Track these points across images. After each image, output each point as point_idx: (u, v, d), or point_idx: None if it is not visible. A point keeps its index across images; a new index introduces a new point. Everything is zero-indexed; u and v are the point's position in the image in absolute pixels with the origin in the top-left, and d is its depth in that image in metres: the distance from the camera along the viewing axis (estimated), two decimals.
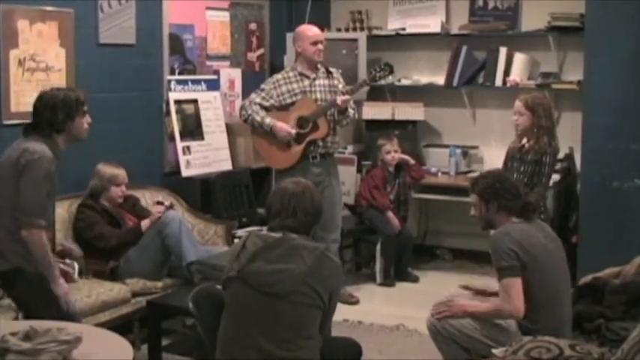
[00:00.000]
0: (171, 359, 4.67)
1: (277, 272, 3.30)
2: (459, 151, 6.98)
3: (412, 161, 6.69)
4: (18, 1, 5.02)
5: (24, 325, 3.09)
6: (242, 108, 5.90)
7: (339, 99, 5.68)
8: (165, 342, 4.76)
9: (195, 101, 6.36)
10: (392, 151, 6.62)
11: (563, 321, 3.84)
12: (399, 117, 7.18)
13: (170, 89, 6.18)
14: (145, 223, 5.16)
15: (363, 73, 6.69)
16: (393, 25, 7.36)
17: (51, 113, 3.82)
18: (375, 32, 7.33)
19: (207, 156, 6.32)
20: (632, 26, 5.58)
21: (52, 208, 3.91)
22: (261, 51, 7.24)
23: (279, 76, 5.93)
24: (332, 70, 5.97)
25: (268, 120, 5.74)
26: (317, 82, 5.85)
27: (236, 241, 5.34)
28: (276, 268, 3.30)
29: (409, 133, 7.18)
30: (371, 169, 6.81)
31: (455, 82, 7.04)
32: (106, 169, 5.20)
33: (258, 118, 5.74)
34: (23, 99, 4.95)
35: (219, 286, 3.53)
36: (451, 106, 7.24)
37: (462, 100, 7.14)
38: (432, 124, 7.36)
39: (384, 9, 7.43)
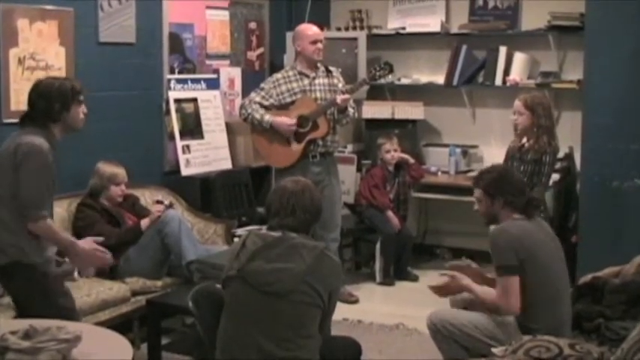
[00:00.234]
0: (171, 358, 4.67)
1: (277, 271, 3.30)
2: (458, 150, 6.98)
3: (412, 160, 6.69)
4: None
5: (24, 323, 3.08)
6: (242, 107, 5.90)
7: (339, 98, 5.68)
8: (164, 341, 4.76)
9: (194, 100, 6.36)
10: (392, 150, 6.62)
11: (563, 320, 3.84)
12: (398, 116, 7.18)
13: (170, 88, 6.18)
14: (144, 222, 5.16)
15: (362, 72, 6.70)
16: (392, 24, 7.37)
17: (46, 102, 3.78)
18: (375, 31, 7.33)
19: (206, 155, 6.32)
20: (632, 26, 5.58)
21: (50, 202, 3.89)
22: (260, 50, 7.24)
23: (278, 75, 5.93)
24: (332, 69, 5.97)
25: (268, 117, 5.74)
26: (317, 81, 5.85)
27: (236, 240, 5.34)
28: (275, 267, 3.30)
29: (409, 132, 7.18)
30: (371, 168, 6.82)
31: (455, 82, 7.04)
32: (106, 168, 5.20)
33: (257, 116, 5.75)
34: (23, 97, 4.86)
35: (218, 285, 3.53)
36: (451, 106, 7.25)
37: (462, 100, 7.14)
38: (431, 123, 7.36)
39: (383, 8, 7.44)
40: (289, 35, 6.46)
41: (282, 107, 5.81)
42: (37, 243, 3.78)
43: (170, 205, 5.37)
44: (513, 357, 3.20)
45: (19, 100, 4.97)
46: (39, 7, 5.16)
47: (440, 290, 4.13)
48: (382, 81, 6.47)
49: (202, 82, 6.48)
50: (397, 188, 6.69)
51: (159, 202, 5.37)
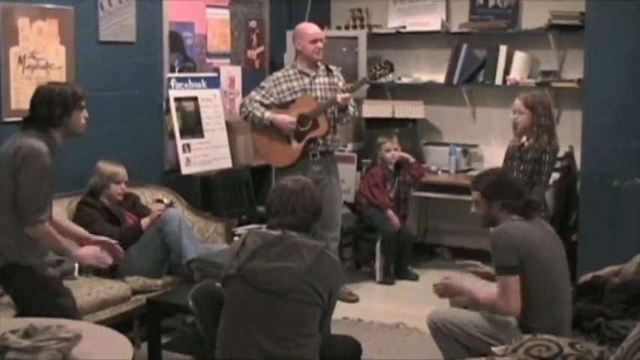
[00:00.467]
0: (171, 357, 4.67)
1: (277, 270, 3.30)
2: (458, 149, 6.98)
3: (412, 159, 6.69)
4: None
5: (24, 322, 3.08)
6: (242, 105, 5.90)
7: (340, 97, 5.68)
8: (165, 340, 4.76)
9: (195, 99, 6.36)
10: (392, 149, 6.62)
11: (563, 319, 3.84)
12: (399, 115, 7.18)
13: (170, 87, 6.18)
14: (144, 221, 5.16)
15: (363, 71, 6.69)
16: (393, 23, 7.37)
17: (47, 108, 3.78)
18: (375, 30, 7.33)
19: (207, 154, 6.33)
20: (632, 26, 5.58)
21: (49, 204, 3.88)
22: (261, 49, 7.24)
23: (279, 74, 5.93)
24: (332, 67, 5.97)
25: (268, 114, 5.74)
26: (317, 80, 5.85)
27: (236, 238, 5.34)
28: (275, 266, 3.30)
29: (409, 131, 7.18)
30: (371, 167, 6.82)
31: (455, 81, 7.04)
32: (107, 167, 5.20)
33: (258, 114, 5.75)
34: (23, 96, 4.93)
35: (219, 284, 3.53)
36: (451, 105, 7.25)
37: (462, 99, 7.14)
38: (432, 122, 7.36)
39: (384, 7, 7.44)
40: (289, 34, 6.46)
41: (283, 106, 5.81)
42: (36, 246, 3.78)
43: (170, 204, 5.37)
44: (513, 356, 3.20)
45: (19, 99, 4.98)
46: (39, 6, 5.16)
47: (440, 290, 4.13)
48: (382, 80, 6.46)
49: (203, 80, 6.48)
50: (397, 187, 6.69)
51: (159, 201, 5.38)
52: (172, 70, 6.26)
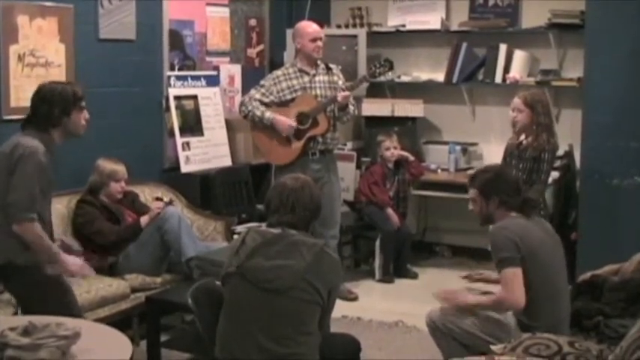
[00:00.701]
0: (170, 355, 4.67)
1: (276, 268, 3.29)
2: (458, 147, 6.98)
3: (412, 158, 6.69)
4: None
5: (23, 320, 3.09)
6: (242, 104, 5.90)
7: (340, 95, 5.68)
8: (164, 338, 4.76)
9: (194, 97, 6.36)
10: (391, 148, 6.62)
11: (561, 318, 3.84)
12: (398, 113, 7.18)
13: (170, 85, 6.18)
14: (144, 219, 5.16)
15: (362, 70, 6.69)
16: (392, 21, 7.37)
17: (47, 107, 3.78)
18: (375, 29, 7.33)
19: (206, 152, 6.32)
20: (632, 26, 5.58)
21: (48, 204, 3.87)
22: (261, 47, 7.24)
23: (278, 72, 5.93)
24: (332, 66, 5.97)
25: (268, 114, 5.74)
26: (317, 79, 5.85)
27: (235, 237, 5.33)
28: (275, 264, 3.30)
29: (409, 129, 7.18)
30: (370, 166, 6.81)
31: (455, 79, 7.04)
32: (106, 165, 5.20)
33: (258, 113, 5.74)
34: (23, 94, 4.94)
35: (218, 282, 3.53)
36: (451, 103, 7.25)
37: (462, 97, 7.14)
38: (431, 120, 7.36)
39: (383, 5, 7.44)
40: (289, 32, 6.45)
41: (283, 104, 5.81)
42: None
43: (170, 202, 5.37)
44: (512, 355, 3.20)
45: (18, 97, 4.98)
46: (39, 4, 5.15)
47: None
48: (382, 78, 6.46)
49: (202, 79, 6.48)
50: (397, 186, 6.69)
51: (158, 199, 5.38)
52: (172, 68, 6.26)
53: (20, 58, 5.05)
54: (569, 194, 6.11)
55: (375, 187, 6.60)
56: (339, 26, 7.52)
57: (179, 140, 6.14)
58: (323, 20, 7.02)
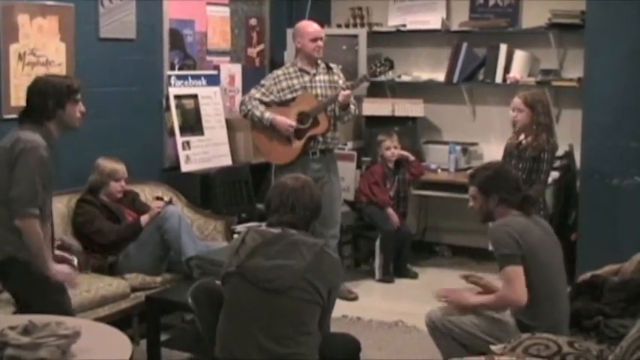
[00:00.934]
0: (170, 354, 4.67)
1: (276, 268, 3.29)
2: (458, 147, 6.98)
3: (412, 157, 6.69)
4: None
5: (23, 319, 3.09)
6: (242, 103, 5.90)
7: (341, 95, 5.68)
8: (164, 337, 4.75)
9: (195, 96, 6.36)
10: (392, 147, 6.62)
11: (561, 318, 3.84)
12: (398, 113, 7.18)
13: (170, 84, 6.18)
14: (144, 219, 5.16)
15: (363, 69, 6.69)
16: (393, 21, 7.37)
17: (41, 99, 3.78)
18: (376, 28, 7.33)
19: (206, 151, 6.32)
20: (632, 26, 5.59)
21: (49, 200, 3.87)
22: (261, 46, 7.24)
23: (279, 71, 5.92)
24: (332, 65, 5.97)
25: (268, 114, 5.74)
26: (317, 78, 5.85)
27: (235, 236, 5.33)
28: (275, 264, 3.30)
29: (409, 129, 7.18)
30: (371, 165, 6.81)
31: (455, 79, 7.04)
32: (106, 164, 5.20)
33: (257, 113, 5.75)
34: (23, 93, 4.86)
35: (218, 282, 3.53)
36: (451, 103, 7.25)
37: (462, 97, 7.14)
38: (431, 120, 7.36)
39: (384, 5, 7.44)
40: (290, 32, 6.45)
41: (283, 104, 5.81)
42: None
43: (170, 202, 5.37)
44: (512, 355, 3.20)
45: (19, 96, 4.97)
46: (39, 3, 5.16)
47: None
48: (382, 78, 6.46)
49: (203, 78, 6.48)
50: (397, 185, 6.69)
51: (159, 198, 5.38)
52: (172, 68, 6.26)
53: (21, 57, 5.06)
54: (569, 194, 6.11)
55: (376, 187, 6.60)
56: (339, 26, 7.53)
57: (179, 139, 6.14)
58: (323, 20, 7.02)
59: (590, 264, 4.63)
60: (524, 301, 3.71)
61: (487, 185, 3.94)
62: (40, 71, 5.13)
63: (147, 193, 5.64)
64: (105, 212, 5.13)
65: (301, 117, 5.75)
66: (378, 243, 6.56)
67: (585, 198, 5.85)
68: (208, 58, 6.66)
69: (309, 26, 5.87)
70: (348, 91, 5.71)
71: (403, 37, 7.27)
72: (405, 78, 7.28)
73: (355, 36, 7.12)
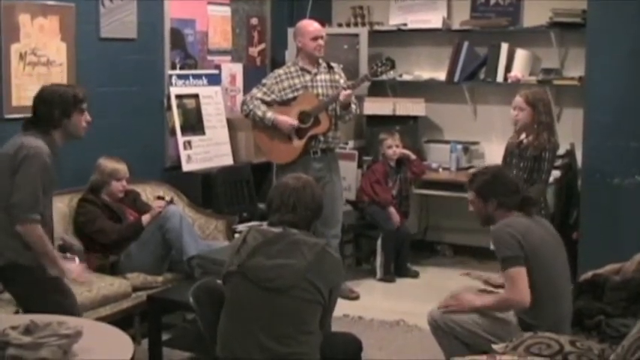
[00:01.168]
0: (172, 354, 4.67)
1: (277, 267, 3.30)
2: (459, 146, 6.98)
3: (413, 156, 6.69)
4: None
5: (24, 318, 3.09)
6: (243, 103, 5.90)
7: (342, 94, 5.67)
8: (165, 336, 4.76)
9: (196, 96, 6.36)
10: (393, 146, 6.62)
11: (563, 317, 3.84)
12: (400, 112, 7.18)
13: (171, 84, 6.18)
14: (145, 218, 5.17)
15: (364, 69, 6.69)
16: (394, 20, 7.37)
17: (47, 109, 3.80)
18: (377, 28, 7.33)
19: (208, 151, 6.32)
20: (632, 25, 5.58)
21: (49, 204, 3.88)
22: (262, 46, 7.24)
23: (280, 71, 5.92)
24: (333, 65, 5.97)
25: (269, 114, 5.74)
26: (318, 77, 5.85)
27: (236, 236, 5.33)
28: (276, 264, 3.30)
29: (410, 128, 7.18)
30: (372, 164, 6.80)
31: (456, 78, 7.04)
32: (108, 164, 5.20)
33: (259, 113, 5.75)
34: (24, 93, 4.94)
35: (219, 281, 3.54)
36: (452, 102, 7.25)
37: (463, 96, 7.14)
38: (433, 119, 7.36)
39: (385, 4, 7.44)
40: (291, 31, 6.45)
41: (284, 103, 5.81)
42: None
43: (171, 201, 5.38)
44: (514, 353, 3.20)
45: (20, 96, 4.98)
46: (40, 3, 5.16)
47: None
48: (384, 77, 6.46)
49: (204, 77, 6.48)
50: (399, 184, 6.69)
51: (160, 197, 5.38)
52: (173, 67, 6.26)
53: (22, 56, 5.06)
54: (571, 193, 6.11)
55: (378, 186, 6.59)
56: (340, 25, 7.52)
57: (180, 139, 6.14)
58: (324, 19, 7.02)
59: (591, 263, 4.62)
60: (528, 303, 3.71)
61: (485, 190, 3.94)
62: (41, 71, 5.14)
63: (148, 192, 5.65)
64: (106, 212, 5.13)
65: (302, 116, 5.74)
66: (379, 242, 6.56)
67: (586, 197, 5.85)
68: (209, 57, 6.66)
69: (310, 25, 5.87)
70: (349, 91, 5.71)
71: (404, 36, 7.27)
72: (406, 77, 7.28)
73: (356, 35, 7.12)
